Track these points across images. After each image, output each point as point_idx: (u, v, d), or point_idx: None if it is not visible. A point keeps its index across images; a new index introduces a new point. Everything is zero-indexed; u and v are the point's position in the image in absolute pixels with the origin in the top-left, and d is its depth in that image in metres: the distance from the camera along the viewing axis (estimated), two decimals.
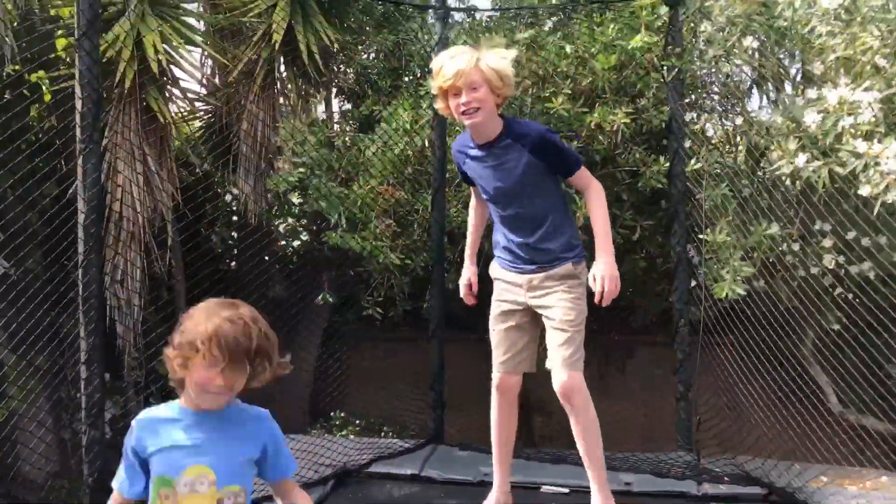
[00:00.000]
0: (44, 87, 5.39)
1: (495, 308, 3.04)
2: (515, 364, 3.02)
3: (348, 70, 5.35)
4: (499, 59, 2.75)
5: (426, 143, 4.30)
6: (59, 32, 5.30)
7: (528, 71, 4.19)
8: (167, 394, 5.83)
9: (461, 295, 3.17)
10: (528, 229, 2.89)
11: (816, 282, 4.33)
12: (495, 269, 3.06)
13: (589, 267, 2.90)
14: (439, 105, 2.86)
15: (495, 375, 3.06)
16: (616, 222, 4.55)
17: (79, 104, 2.94)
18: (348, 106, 5.60)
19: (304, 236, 6.29)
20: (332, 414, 6.07)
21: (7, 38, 4.74)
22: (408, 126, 4.24)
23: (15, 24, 4.87)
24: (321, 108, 5.97)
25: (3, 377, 5.20)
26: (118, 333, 5.30)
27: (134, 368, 5.77)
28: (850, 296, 4.30)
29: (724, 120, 4.59)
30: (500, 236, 3.01)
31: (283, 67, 5.19)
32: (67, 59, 5.23)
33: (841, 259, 4.40)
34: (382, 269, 4.62)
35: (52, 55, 5.26)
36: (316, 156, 4.50)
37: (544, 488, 3.93)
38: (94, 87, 2.92)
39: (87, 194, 2.98)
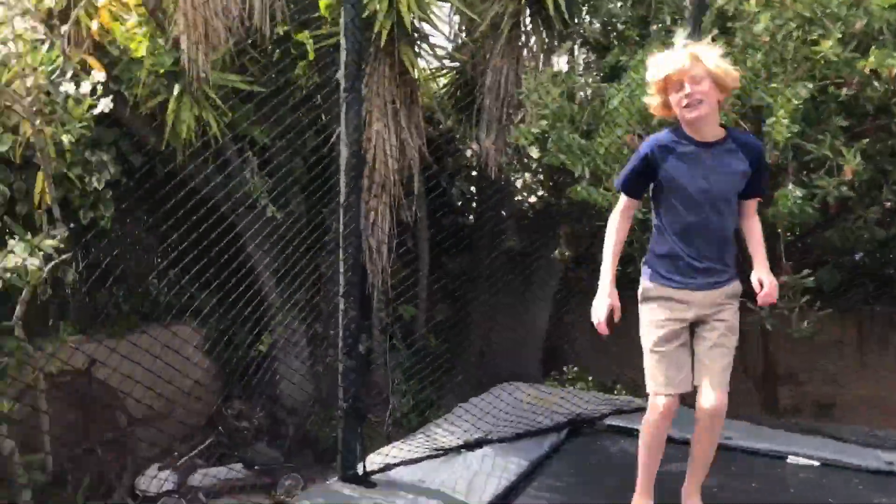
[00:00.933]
0: (308, 46, 5.80)
1: (659, 328, 2.83)
2: (686, 385, 2.86)
3: (593, 20, 5.24)
4: (718, 56, 2.72)
5: None
6: None
7: (793, 13, 3.86)
8: (410, 337, 6.14)
9: (595, 323, 2.84)
10: (714, 243, 2.80)
11: None
12: (654, 289, 2.86)
13: None
14: (653, 102, 2.81)
15: (662, 399, 2.84)
16: (889, 179, 4.14)
17: (343, 55, 3.12)
18: (592, 57, 5.49)
19: (541, 192, 6.33)
20: (565, 368, 6.12)
21: (279, 1, 5.13)
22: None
23: None
24: (563, 59, 5.91)
25: (267, 311, 5.76)
26: (368, 277, 5.64)
27: (381, 310, 6.15)
28: None
29: None
30: (671, 249, 2.83)
31: (528, 20, 5.18)
32: (329, 20, 5.59)
33: None
34: None
35: (316, 15, 5.64)
36: (558, 108, 4.47)
37: (791, 458, 3.71)
38: (357, 39, 3.08)
39: (349, 140, 3.16)
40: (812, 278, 4.16)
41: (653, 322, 2.86)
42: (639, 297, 2.92)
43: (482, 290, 6.71)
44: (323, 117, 6.05)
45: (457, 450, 3.65)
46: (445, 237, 6.40)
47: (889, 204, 4.29)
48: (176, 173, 4.93)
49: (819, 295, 4.39)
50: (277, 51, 5.64)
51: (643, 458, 3.00)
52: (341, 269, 3.31)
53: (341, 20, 3.09)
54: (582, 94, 4.68)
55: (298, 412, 5.93)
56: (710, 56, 2.68)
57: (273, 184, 5.61)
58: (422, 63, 5.78)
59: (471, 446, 3.68)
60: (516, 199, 6.67)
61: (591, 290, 6.61)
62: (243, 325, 5.57)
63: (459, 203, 7.32)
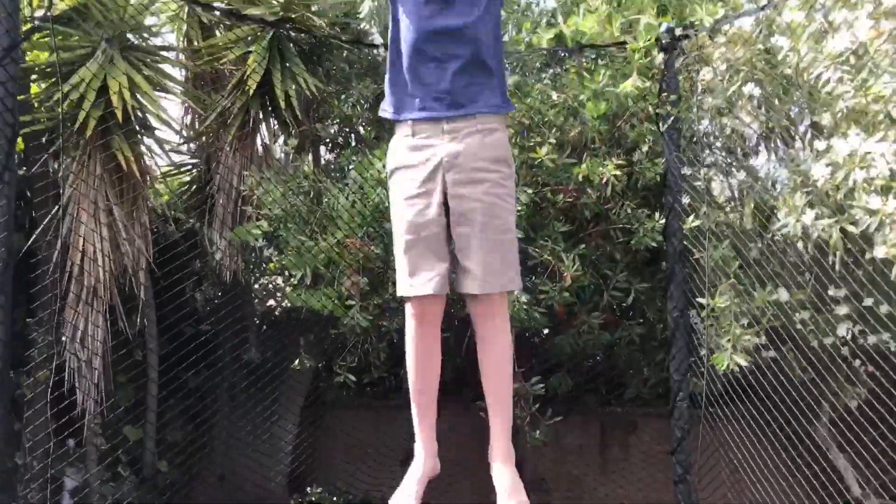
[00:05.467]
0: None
1: (405, 210, 2.26)
2: (442, 283, 2.26)
3: (327, 120, 5.08)
4: None
5: None
6: (34, 77, 5.09)
7: (512, 119, 3.89)
8: (136, 463, 5.41)
9: None
10: (457, 53, 2.21)
11: (832, 353, 3.93)
12: (399, 153, 2.30)
13: None
14: None
15: (410, 306, 2.31)
16: (609, 284, 4.19)
17: None
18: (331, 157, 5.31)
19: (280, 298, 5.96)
20: (308, 489, 5.64)
21: None
22: (383, 176, 3.93)
23: None
24: (309, 158, 5.67)
25: None
26: (77, 401, 4.92)
27: (97, 435, 5.39)
28: (872, 369, 3.89)
29: (727, 175, 4.24)
30: (408, 71, 2.26)
31: (260, 115, 4.90)
32: (36, 105, 5.02)
33: (856, 329, 3.99)
34: (357, 332, 4.25)
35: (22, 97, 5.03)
36: (286, 207, 4.18)
37: None
38: (9, 122, 2.63)
39: None
40: (542, 385, 4.09)
41: (399, 202, 2.30)
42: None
43: (222, 406, 6.14)
44: (34, 213, 5.36)
45: None
46: (181, 348, 5.82)
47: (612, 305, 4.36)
48: None
49: (554, 400, 4.33)
50: None
51: (413, 381, 2.40)
52: None
53: None
54: (313, 193, 4.44)
55: None
56: None
57: None
58: (153, 162, 5.34)
59: None
60: (257, 305, 6.23)
61: (339, 403, 6.25)
62: None
63: (207, 309, 6.77)
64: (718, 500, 3.98)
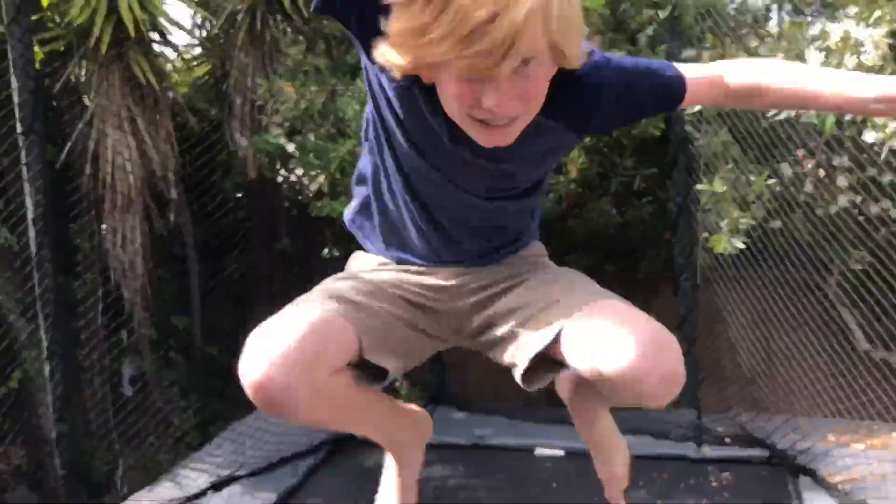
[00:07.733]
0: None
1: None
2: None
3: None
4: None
5: None
6: None
7: None
8: (187, 350, 5.82)
9: None
10: (479, 235, 1.57)
11: (835, 221, 4.07)
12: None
13: None
14: (399, 60, 1.17)
15: None
16: (616, 170, 4.31)
17: (15, 95, 2.80)
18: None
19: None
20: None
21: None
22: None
23: None
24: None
25: (17, 344, 5.27)
26: (125, 298, 5.29)
27: (149, 326, 5.78)
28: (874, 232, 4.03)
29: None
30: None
31: (267, 14, 4.94)
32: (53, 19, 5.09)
33: (858, 199, 4.09)
34: None
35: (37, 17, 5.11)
36: (297, 112, 4.31)
37: (538, 451, 3.84)
38: (29, 75, 2.79)
39: (31, 183, 2.86)
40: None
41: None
42: None
43: (263, 292, 6.50)
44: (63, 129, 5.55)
45: (202, 494, 3.48)
46: (220, 239, 6.13)
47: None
48: None
49: None
50: None
51: None
52: (41, 324, 3.01)
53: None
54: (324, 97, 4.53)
55: (66, 447, 5.49)
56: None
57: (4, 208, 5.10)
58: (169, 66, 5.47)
59: (218, 486, 3.52)
60: (286, 192, 6.46)
61: None
62: None
63: (238, 196, 7.01)
64: (725, 367, 4.25)
